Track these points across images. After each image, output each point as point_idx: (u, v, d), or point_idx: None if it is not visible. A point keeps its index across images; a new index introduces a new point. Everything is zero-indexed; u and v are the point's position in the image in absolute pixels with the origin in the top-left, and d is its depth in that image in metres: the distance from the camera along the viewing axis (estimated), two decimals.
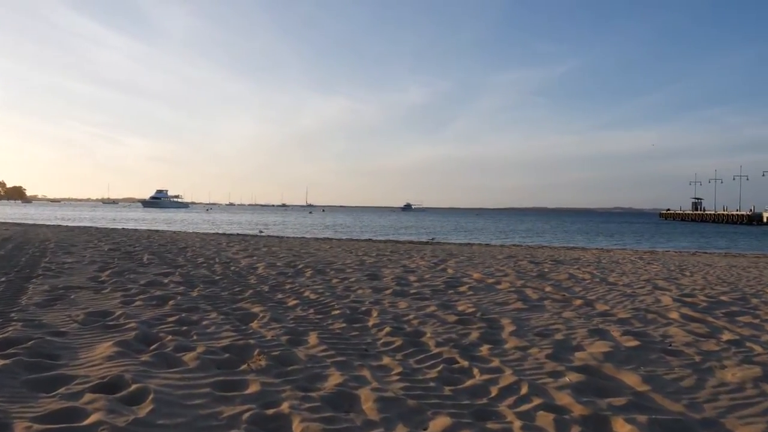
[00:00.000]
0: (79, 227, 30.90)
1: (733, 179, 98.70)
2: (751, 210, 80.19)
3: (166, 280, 8.51)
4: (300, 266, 11.21)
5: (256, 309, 6.40)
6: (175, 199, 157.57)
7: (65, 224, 37.90)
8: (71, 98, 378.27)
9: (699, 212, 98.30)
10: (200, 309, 6.38)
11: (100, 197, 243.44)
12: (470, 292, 8.24)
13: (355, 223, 60.96)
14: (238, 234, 30.77)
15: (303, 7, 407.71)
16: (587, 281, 9.97)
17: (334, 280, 9.19)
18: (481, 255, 16.15)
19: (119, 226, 37.07)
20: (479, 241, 31.64)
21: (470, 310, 6.75)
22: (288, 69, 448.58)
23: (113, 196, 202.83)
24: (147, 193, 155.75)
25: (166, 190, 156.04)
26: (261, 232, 37.54)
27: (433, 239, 31.06)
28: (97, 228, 30.12)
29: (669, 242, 35.78)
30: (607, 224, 79.19)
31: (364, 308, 6.68)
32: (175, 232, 31.27)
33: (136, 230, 29.88)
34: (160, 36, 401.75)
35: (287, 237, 29.59)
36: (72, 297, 6.87)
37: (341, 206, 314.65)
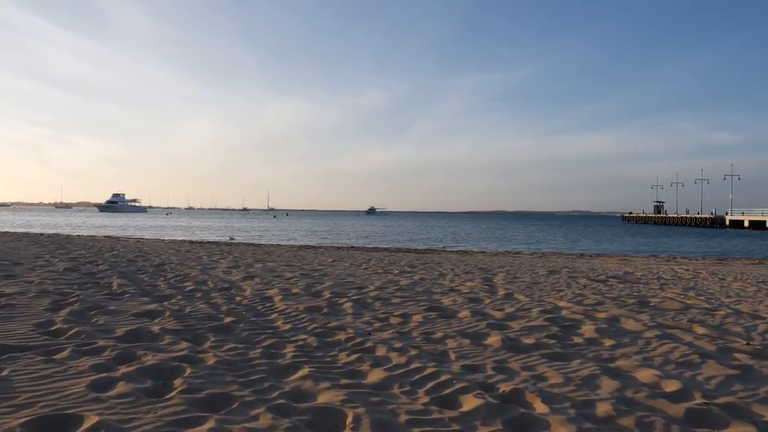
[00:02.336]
0: (28, 235, 27.12)
1: (695, 183, 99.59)
2: (712, 213, 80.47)
3: (154, 328, 5.63)
4: (324, 292, 8.45)
5: (325, 393, 3.68)
6: (133, 203, 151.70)
7: (12, 231, 33.86)
8: (16, 97, 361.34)
9: (662, 215, 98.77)
10: (233, 398, 3.59)
11: (52, 201, 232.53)
12: (605, 340, 5.61)
13: (331, 228, 58.10)
14: (210, 242, 27.60)
15: (261, 8, 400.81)
16: (719, 312, 7.48)
17: (393, 319, 6.48)
18: (521, 269, 13.60)
19: (75, 233, 33.30)
20: (481, 248, 29.37)
21: (673, 388, 4.12)
22: (247, 71, 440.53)
23: (66, 200, 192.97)
24: (102, 197, 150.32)
25: (123, 194, 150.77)
26: (232, 238, 34.49)
27: (444, 248, 28.96)
28: (49, 236, 26.41)
29: (680, 248, 33.92)
30: (579, 228, 78.48)
31: (504, 389, 3.97)
32: (139, 240, 27.87)
33: (94, 239, 26.33)
34: (115, 35, 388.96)
35: (267, 245, 26.62)
36: (2, 373, 3.96)
37: (303, 210, 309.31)
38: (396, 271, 12.15)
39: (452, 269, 13.02)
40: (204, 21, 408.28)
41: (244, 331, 5.65)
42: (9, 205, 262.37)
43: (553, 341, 5.53)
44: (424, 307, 7.36)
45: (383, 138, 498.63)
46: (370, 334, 5.63)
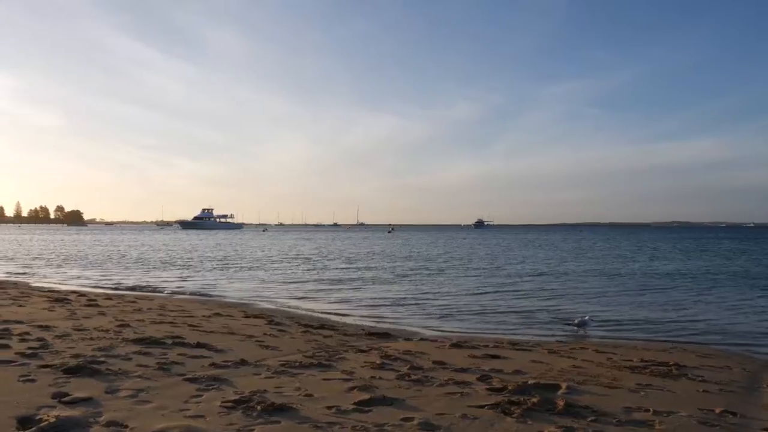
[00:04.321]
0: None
1: None
2: None
3: None
4: None
5: None
6: (224, 219, 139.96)
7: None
8: (122, 122, 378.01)
9: None
10: None
11: (154, 219, 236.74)
12: None
13: (496, 253, 46.70)
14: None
15: (355, 24, 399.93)
16: None
17: None
18: None
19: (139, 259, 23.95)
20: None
21: None
22: (337, 87, 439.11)
23: (167, 218, 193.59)
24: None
25: (212, 209, 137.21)
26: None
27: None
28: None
29: None
30: (715, 241, 63.48)
31: None
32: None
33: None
34: (211, 58, 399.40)
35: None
36: None
37: (402, 224, 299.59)
38: None
39: None
40: (298, 39, 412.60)
41: None
42: (114, 224, 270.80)
43: None
44: None
45: (472, 150, 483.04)
46: None
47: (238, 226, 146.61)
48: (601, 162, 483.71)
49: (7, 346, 6.13)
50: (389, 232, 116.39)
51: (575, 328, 9.46)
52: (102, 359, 5.66)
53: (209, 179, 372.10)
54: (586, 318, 9.64)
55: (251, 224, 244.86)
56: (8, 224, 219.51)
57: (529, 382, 5.30)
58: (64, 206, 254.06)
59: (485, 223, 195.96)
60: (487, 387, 5.15)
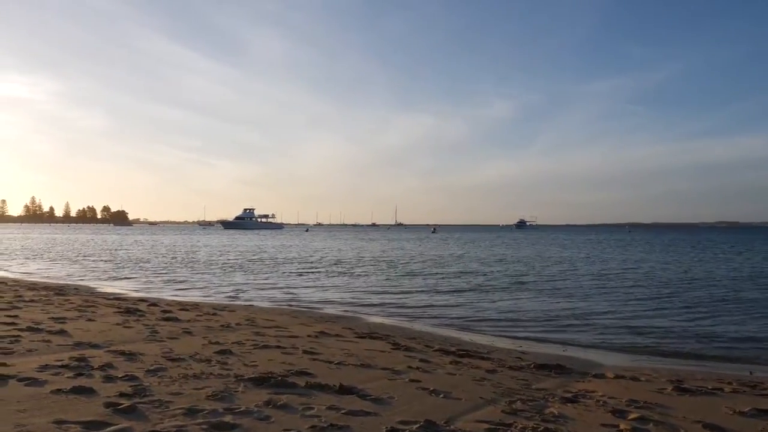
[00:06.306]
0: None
1: None
2: None
3: None
4: None
5: None
6: (265, 220, 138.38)
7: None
8: (164, 124, 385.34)
9: None
10: None
11: (195, 219, 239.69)
12: None
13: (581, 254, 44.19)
14: None
15: (392, 24, 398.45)
16: None
17: None
18: None
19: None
20: None
21: None
22: (374, 87, 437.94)
23: (208, 218, 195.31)
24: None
25: (253, 209, 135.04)
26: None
27: None
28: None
29: None
30: None
31: None
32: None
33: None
34: (250, 60, 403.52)
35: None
36: None
37: (439, 224, 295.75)
38: None
39: None
40: (334, 40, 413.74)
41: None
42: (157, 224, 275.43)
43: None
44: None
45: (509, 149, 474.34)
46: None
47: (279, 226, 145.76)
48: (643, 160, 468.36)
49: (91, 391, 4.37)
50: (433, 232, 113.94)
51: None
52: (229, 418, 3.84)
53: (248, 179, 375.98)
54: None
55: (291, 224, 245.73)
56: (59, 224, 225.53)
57: None
58: (110, 206, 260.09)
59: (527, 223, 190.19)
60: None
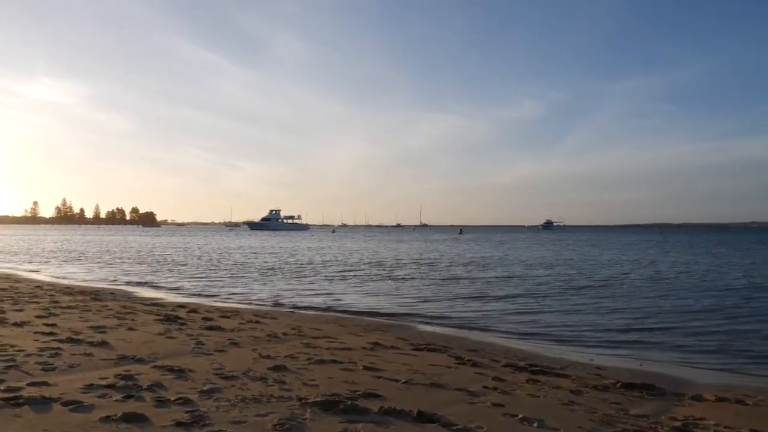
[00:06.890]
0: None
1: None
2: None
3: None
4: None
5: None
6: (290, 220, 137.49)
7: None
8: (191, 126, 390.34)
9: None
10: None
11: (221, 220, 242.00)
12: None
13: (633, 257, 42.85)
14: None
15: (411, 26, 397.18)
16: None
17: None
18: None
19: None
20: None
21: None
22: (396, 88, 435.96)
23: (235, 219, 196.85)
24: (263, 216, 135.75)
25: (279, 210, 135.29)
26: None
27: None
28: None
29: None
30: None
31: None
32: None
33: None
34: (272, 63, 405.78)
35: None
36: None
37: (465, 225, 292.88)
38: None
39: None
40: (355, 40, 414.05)
41: None
42: (184, 225, 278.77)
43: None
44: None
45: (535, 149, 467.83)
46: None
47: (305, 227, 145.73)
48: (672, 160, 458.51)
49: (143, 419, 3.88)
50: (459, 233, 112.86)
51: None
52: None
53: (272, 180, 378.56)
54: None
55: (316, 225, 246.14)
56: (89, 225, 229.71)
57: None
58: (138, 208, 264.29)
59: (554, 224, 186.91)
60: None
